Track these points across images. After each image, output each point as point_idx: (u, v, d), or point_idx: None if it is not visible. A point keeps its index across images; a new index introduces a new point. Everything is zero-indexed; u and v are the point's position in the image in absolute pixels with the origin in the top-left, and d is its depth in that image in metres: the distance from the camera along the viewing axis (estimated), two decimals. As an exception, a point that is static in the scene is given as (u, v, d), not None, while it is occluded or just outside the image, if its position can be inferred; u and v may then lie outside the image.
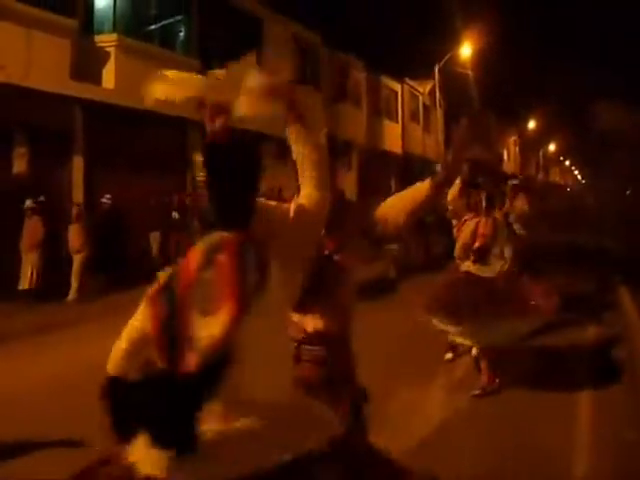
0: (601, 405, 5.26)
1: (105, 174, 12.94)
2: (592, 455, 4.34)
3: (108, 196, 12.10)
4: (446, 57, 28.41)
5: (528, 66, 50.03)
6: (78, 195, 12.43)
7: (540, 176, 49.05)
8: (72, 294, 10.86)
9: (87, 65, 12.65)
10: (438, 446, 4.49)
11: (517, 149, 58.73)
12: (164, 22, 15.06)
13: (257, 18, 18.29)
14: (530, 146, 61.60)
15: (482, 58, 32.49)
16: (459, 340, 5.72)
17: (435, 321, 5.63)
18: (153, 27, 14.84)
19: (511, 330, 5.50)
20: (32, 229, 10.59)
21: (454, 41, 28.73)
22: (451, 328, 5.56)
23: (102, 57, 13.08)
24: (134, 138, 13.49)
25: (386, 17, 27.95)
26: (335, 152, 23.86)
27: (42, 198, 10.87)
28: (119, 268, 11.67)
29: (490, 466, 4.17)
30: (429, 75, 30.27)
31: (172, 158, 14.90)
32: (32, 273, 10.55)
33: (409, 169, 29.26)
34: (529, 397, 5.44)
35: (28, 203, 10.67)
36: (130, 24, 13.96)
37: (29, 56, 11.15)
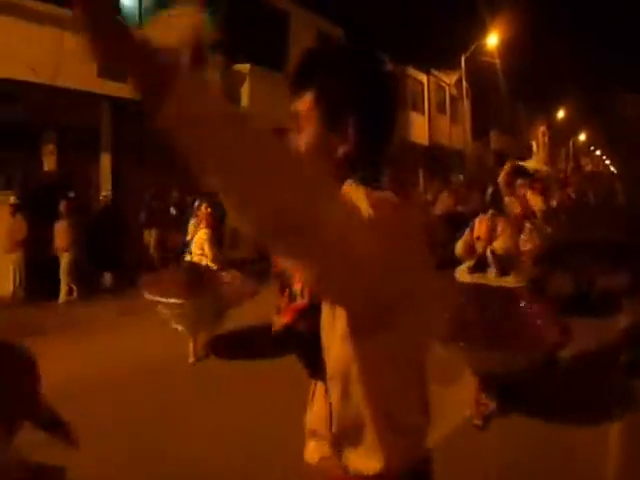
0: (633, 406, 5.11)
1: (132, 170, 13.07)
2: (621, 456, 4.25)
3: (104, 193, 11.92)
4: (472, 47, 28.07)
5: (557, 55, 49.30)
6: (106, 191, 12.56)
7: (570, 166, 48.30)
8: (62, 297, 10.31)
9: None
10: (464, 441, 4.45)
11: (546, 139, 57.92)
12: (189, 18, 15.12)
13: (283, 13, 18.25)
14: (560, 136, 60.70)
15: (510, 47, 32.07)
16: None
17: None
18: (179, 23, 14.91)
19: (508, 360, 4.64)
20: (15, 227, 10.13)
21: (480, 30, 28.38)
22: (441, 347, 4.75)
23: (128, 54, 13.15)
24: (161, 134, 13.57)
25: (410, 8, 27.66)
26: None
27: (72, 194, 10.99)
28: (114, 268, 11.30)
29: (516, 462, 4.12)
30: (455, 65, 29.97)
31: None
32: (14, 274, 10.15)
33: (436, 160, 29.05)
34: (559, 395, 5.30)
35: (11, 199, 10.20)
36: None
37: (58, 55, 11.27)
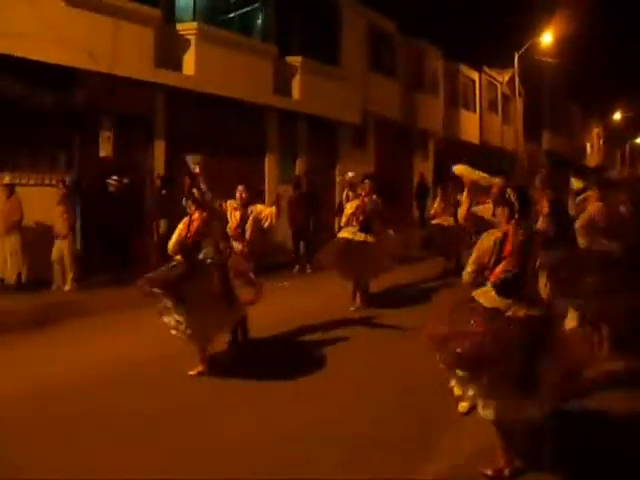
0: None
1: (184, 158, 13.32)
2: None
3: (115, 177, 11.08)
4: (526, 45, 27.60)
5: (614, 54, 48.02)
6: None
7: (625, 170, 47.02)
8: (68, 285, 9.98)
9: (169, 53, 13.03)
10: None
11: (601, 142, 56.54)
12: (242, 10, 15.31)
13: (334, 5, 18.29)
14: (615, 139, 59.17)
15: (565, 46, 31.40)
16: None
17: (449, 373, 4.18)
18: (232, 15, 15.12)
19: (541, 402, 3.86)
20: (10, 209, 9.73)
21: (535, 28, 27.88)
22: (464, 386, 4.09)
23: (183, 45, 13.41)
24: (213, 123, 13.81)
25: (465, 3, 27.34)
26: (412, 141, 23.76)
27: (126, 180, 11.22)
28: (120, 257, 10.85)
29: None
30: (508, 64, 29.52)
31: (250, 143, 15.20)
32: (7, 260, 9.74)
33: (486, 159, 28.73)
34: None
35: (6, 179, 9.88)
36: (210, 12, 14.27)
37: (115, 45, 11.57)
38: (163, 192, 11.98)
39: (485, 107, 30.57)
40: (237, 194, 7.21)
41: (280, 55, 15.87)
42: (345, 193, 11.80)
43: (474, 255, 4.29)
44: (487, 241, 4.25)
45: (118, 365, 6.30)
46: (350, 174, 11.81)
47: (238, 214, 7.08)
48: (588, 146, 51.44)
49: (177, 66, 13.33)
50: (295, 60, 16.40)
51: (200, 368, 5.99)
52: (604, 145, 57.22)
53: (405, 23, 22.00)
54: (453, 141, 26.68)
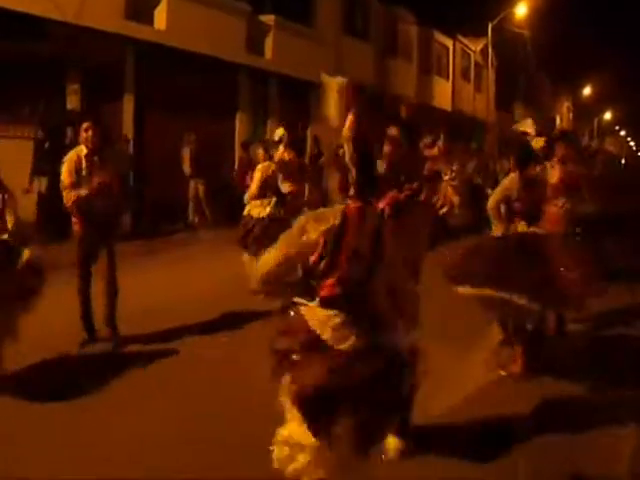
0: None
1: (154, 113, 13.16)
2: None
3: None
4: (501, 15, 27.59)
5: (588, 30, 48.25)
6: (128, 133, 12.66)
7: (594, 144, 47.33)
8: None
9: (140, 5, 12.77)
10: (482, 403, 4.35)
11: (571, 115, 57.12)
12: (217, -35, 15.00)
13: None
14: (584, 113, 59.81)
15: (539, 18, 31.52)
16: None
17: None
18: (206, -30, 14.81)
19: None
20: None
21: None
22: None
23: (154, -2, 13.18)
24: (184, 79, 13.62)
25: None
26: (384, 106, 23.67)
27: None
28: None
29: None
30: (482, 33, 29.51)
31: (221, 102, 15.04)
32: None
33: (458, 127, 28.83)
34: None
35: None
36: (183, -34, 13.96)
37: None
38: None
39: (458, 75, 30.60)
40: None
41: (253, 13, 15.65)
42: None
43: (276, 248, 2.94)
44: (313, 230, 2.82)
45: None
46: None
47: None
48: (558, 119, 51.94)
49: (148, 20, 13.08)
50: (268, 19, 16.20)
51: None
52: (573, 119, 57.82)
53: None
54: (425, 107, 26.71)
